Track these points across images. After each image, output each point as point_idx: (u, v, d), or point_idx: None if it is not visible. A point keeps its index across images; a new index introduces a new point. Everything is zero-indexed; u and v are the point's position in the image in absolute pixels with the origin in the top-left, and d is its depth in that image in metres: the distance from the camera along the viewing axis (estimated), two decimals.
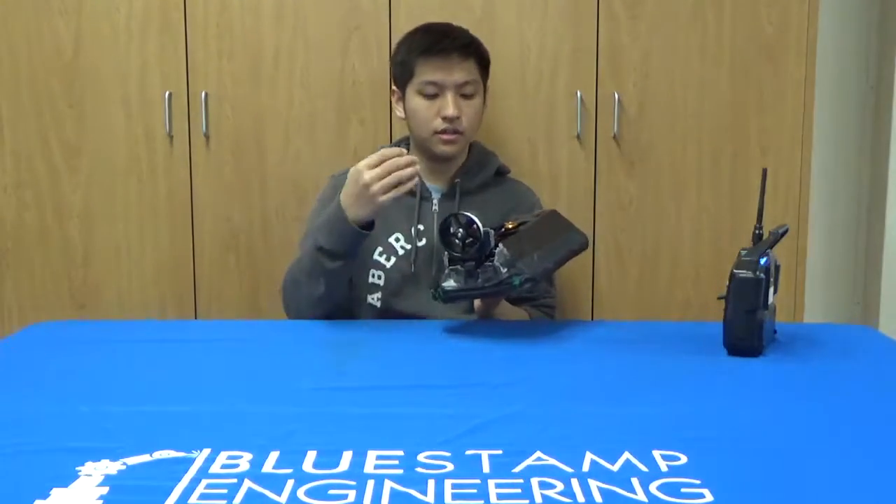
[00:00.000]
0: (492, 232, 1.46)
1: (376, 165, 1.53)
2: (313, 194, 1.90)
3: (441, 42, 1.75)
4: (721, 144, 2.11)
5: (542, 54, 2.08)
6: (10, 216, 2.13)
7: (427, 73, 1.75)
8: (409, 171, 1.53)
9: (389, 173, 1.52)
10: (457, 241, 1.46)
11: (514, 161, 2.05)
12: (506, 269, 1.40)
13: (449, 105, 1.73)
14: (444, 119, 1.74)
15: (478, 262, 1.44)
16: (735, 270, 1.33)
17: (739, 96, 2.10)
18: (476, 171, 1.83)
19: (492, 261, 1.43)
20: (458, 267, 1.46)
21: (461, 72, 1.75)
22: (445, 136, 1.75)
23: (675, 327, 1.67)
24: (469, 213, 1.46)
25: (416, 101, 1.77)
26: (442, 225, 1.48)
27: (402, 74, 1.80)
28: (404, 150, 1.56)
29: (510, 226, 1.57)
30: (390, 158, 1.53)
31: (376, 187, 1.52)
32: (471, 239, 1.44)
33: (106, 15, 2.06)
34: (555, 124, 2.10)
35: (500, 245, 1.43)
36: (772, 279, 1.37)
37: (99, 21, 2.07)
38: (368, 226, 1.59)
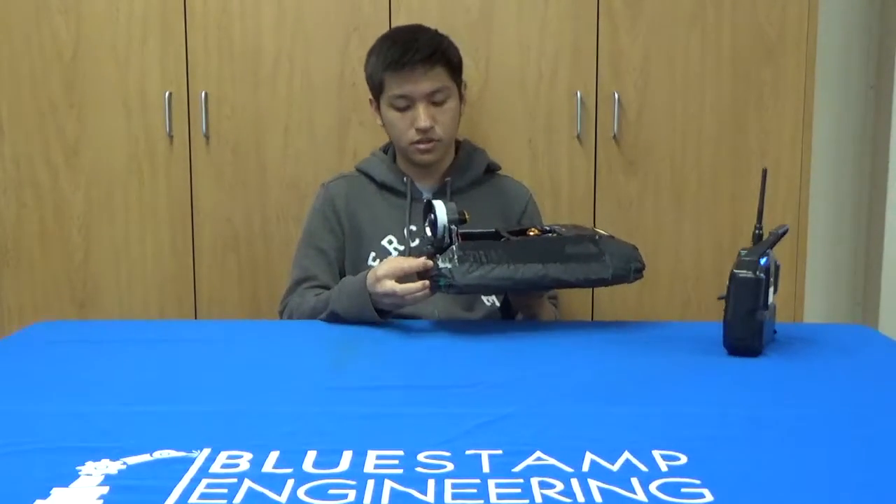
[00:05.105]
0: (454, 229, 1.50)
1: (398, 277, 1.53)
2: (313, 194, 1.90)
3: (405, 55, 1.73)
4: (721, 144, 2.11)
5: (542, 54, 2.08)
6: (10, 216, 2.13)
7: (395, 87, 1.75)
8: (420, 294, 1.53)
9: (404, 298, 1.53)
10: (426, 224, 1.54)
11: (515, 161, 2.05)
12: (440, 268, 1.46)
13: (420, 117, 1.74)
14: (418, 130, 1.75)
15: (437, 249, 1.50)
16: (735, 270, 1.33)
17: (739, 97, 2.10)
18: (464, 169, 1.84)
19: (447, 253, 1.48)
20: (429, 247, 1.53)
21: (428, 82, 1.74)
22: (422, 146, 1.76)
23: (675, 327, 1.66)
24: (442, 206, 1.50)
25: (389, 114, 1.78)
26: (426, 204, 1.54)
27: (373, 87, 1.81)
28: (428, 263, 1.52)
29: (532, 233, 1.60)
30: (410, 280, 1.52)
31: (393, 309, 1.57)
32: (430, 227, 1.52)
33: (106, 15, 2.07)
34: (555, 124, 2.10)
35: (454, 245, 1.47)
36: (772, 279, 1.37)
37: (99, 21, 2.07)
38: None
